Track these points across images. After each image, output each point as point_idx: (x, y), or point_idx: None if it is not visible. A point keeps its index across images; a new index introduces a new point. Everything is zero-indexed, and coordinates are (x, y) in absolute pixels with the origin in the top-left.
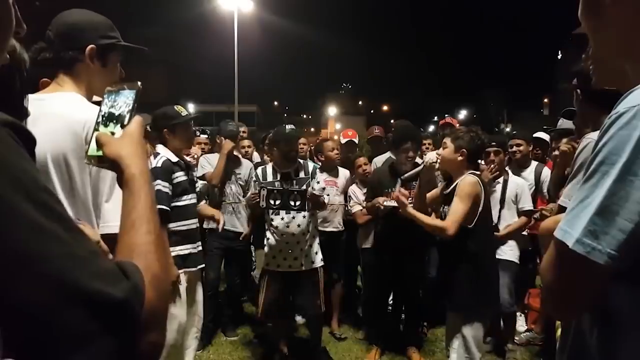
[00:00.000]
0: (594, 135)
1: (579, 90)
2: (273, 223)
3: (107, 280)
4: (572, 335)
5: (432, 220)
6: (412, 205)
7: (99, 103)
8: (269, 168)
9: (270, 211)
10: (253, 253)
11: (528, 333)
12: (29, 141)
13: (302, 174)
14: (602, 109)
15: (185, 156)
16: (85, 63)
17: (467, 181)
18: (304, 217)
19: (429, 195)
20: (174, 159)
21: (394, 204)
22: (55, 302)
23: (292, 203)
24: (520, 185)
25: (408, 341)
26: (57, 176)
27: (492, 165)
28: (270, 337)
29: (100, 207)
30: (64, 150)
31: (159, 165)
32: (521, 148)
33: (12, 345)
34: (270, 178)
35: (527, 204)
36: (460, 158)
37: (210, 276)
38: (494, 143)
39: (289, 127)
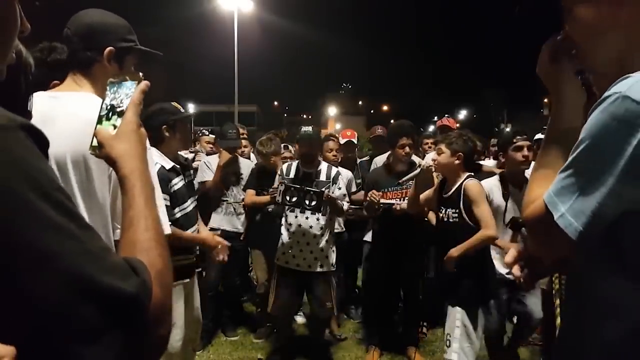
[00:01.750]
0: None
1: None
2: (287, 219)
3: (119, 276)
4: (569, 330)
5: (473, 239)
6: (405, 204)
7: None
8: (294, 165)
9: (287, 207)
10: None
11: None
12: (43, 143)
13: (323, 177)
14: None
15: (182, 153)
16: (103, 64)
17: (474, 186)
18: (318, 220)
19: (422, 196)
20: (169, 164)
21: (391, 202)
22: (70, 296)
23: (307, 202)
24: None
25: (408, 341)
26: (75, 177)
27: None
28: (270, 337)
29: (118, 211)
30: (83, 151)
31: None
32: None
33: (27, 338)
34: (292, 175)
35: None
36: (457, 162)
37: (210, 276)
38: (525, 135)
39: (305, 128)
